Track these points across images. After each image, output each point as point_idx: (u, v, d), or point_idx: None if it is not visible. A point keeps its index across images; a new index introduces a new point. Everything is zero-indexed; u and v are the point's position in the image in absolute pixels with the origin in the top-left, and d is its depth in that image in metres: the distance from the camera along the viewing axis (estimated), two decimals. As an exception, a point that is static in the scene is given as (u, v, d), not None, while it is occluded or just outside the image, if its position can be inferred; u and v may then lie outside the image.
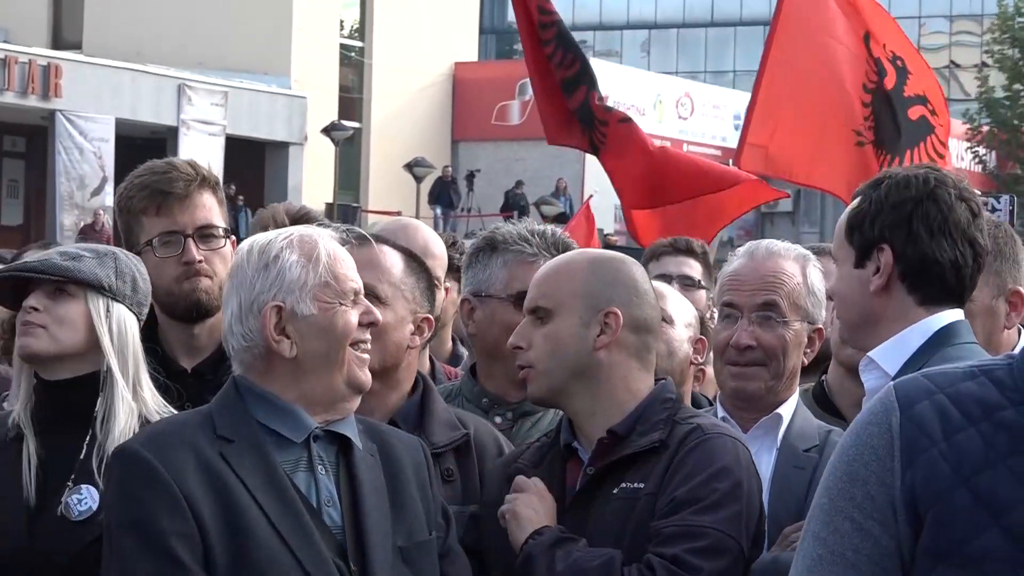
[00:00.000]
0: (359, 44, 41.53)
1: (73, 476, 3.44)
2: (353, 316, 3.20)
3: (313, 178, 36.97)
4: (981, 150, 43.72)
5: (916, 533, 2.21)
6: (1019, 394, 2.23)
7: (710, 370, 4.60)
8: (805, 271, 3.92)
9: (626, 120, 7.15)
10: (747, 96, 7.26)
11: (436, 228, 16.38)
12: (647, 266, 5.19)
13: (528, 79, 7.51)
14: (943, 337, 3.24)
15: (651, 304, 3.53)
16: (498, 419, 3.99)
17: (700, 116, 45.24)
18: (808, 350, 3.92)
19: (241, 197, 32.33)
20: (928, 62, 7.23)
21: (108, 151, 32.74)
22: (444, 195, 38.10)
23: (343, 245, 3.28)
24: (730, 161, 8.21)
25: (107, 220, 29.90)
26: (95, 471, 3.39)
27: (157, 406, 3.52)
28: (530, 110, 35.62)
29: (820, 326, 3.95)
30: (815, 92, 6.90)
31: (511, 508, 3.40)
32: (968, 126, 42.89)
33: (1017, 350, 2.57)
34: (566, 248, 3.98)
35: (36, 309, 3.50)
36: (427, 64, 41.69)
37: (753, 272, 3.91)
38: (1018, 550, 2.15)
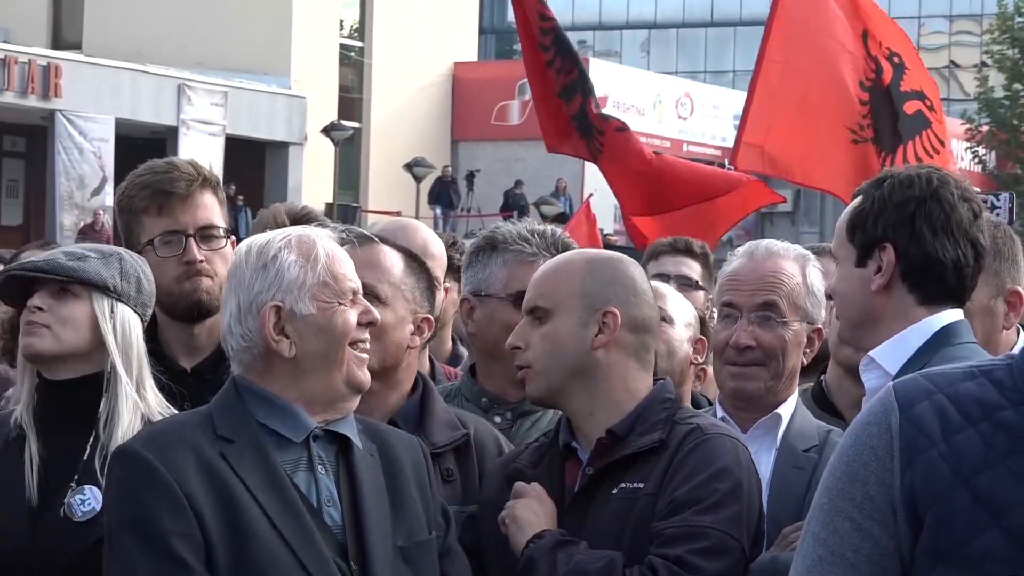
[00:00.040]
0: (359, 44, 41.51)
1: (76, 477, 3.44)
2: (352, 316, 3.20)
3: (313, 178, 36.95)
4: (980, 150, 43.66)
5: (916, 533, 2.21)
6: (1019, 394, 2.23)
7: (711, 370, 4.59)
8: (805, 271, 3.92)
9: (623, 129, 7.16)
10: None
11: (436, 228, 16.39)
12: (646, 266, 5.18)
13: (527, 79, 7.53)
14: (944, 337, 3.24)
15: (649, 304, 3.53)
16: (497, 419, 3.99)
17: (700, 116, 45.24)
18: (807, 350, 3.92)
19: (241, 197, 32.31)
20: (928, 62, 7.24)
21: (108, 151, 32.70)
22: (444, 195, 38.08)
23: (343, 245, 3.29)
24: (726, 162, 8.22)
25: (107, 220, 29.87)
26: (98, 472, 3.38)
27: (159, 407, 3.52)
28: (530, 110, 35.55)
29: (819, 326, 3.95)
30: (813, 91, 6.90)
31: (511, 512, 3.39)
32: (967, 126, 42.83)
33: (1016, 350, 2.57)
34: (566, 248, 3.98)
35: (40, 309, 3.50)
36: (427, 64, 41.67)
37: (753, 272, 3.91)
38: (1018, 550, 2.15)
